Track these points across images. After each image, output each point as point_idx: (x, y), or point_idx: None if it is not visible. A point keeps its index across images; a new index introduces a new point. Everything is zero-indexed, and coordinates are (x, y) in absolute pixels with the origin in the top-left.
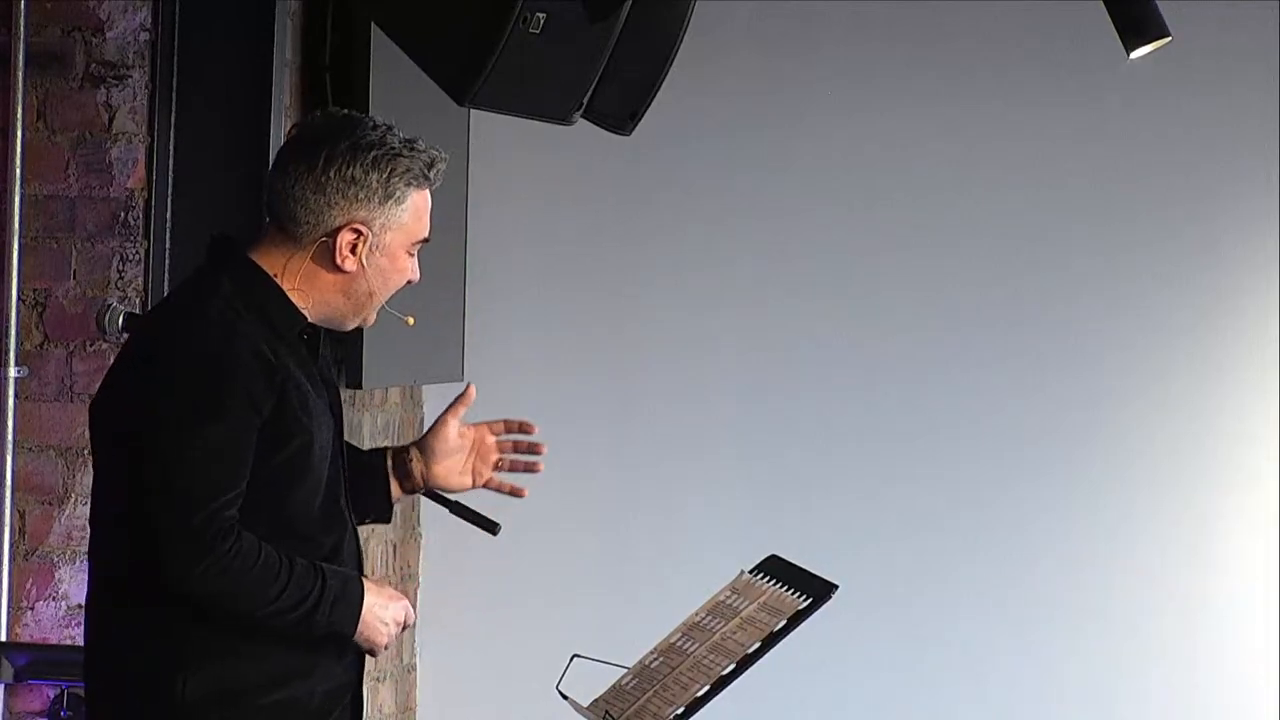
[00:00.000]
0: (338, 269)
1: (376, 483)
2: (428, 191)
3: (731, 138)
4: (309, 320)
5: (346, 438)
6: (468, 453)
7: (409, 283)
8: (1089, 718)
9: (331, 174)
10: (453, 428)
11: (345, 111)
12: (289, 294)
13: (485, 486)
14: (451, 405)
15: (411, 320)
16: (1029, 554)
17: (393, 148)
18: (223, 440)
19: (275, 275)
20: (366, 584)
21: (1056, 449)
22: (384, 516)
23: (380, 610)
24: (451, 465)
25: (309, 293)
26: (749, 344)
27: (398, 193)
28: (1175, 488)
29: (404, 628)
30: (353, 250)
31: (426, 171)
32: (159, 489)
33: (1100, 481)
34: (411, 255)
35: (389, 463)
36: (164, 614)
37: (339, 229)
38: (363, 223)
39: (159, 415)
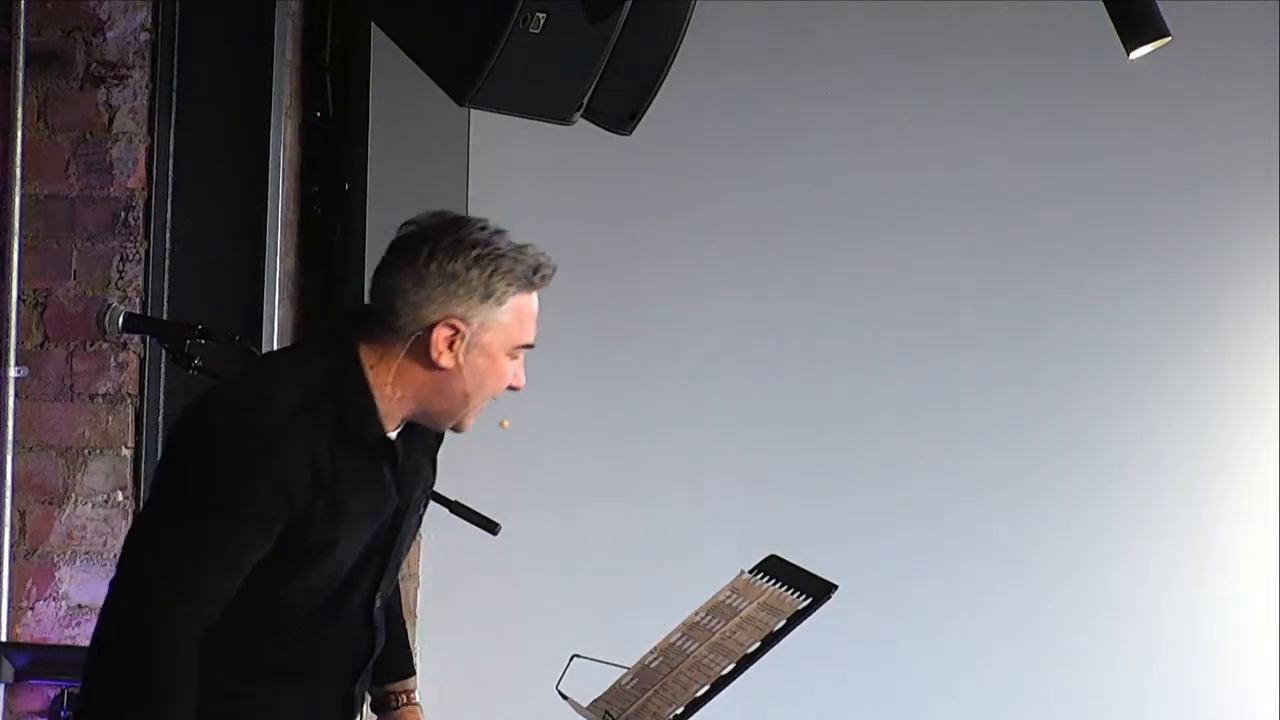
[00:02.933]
0: (434, 365)
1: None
2: (533, 297)
3: (732, 137)
4: (385, 433)
5: None
6: None
7: (511, 389)
8: (1089, 717)
9: (433, 268)
10: None
11: (456, 214)
12: (381, 389)
13: None
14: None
15: (507, 424)
16: (1030, 554)
17: (498, 248)
18: (224, 540)
19: (371, 367)
20: None
21: (1057, 448)
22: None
23: None
24: None
25: (402, 388)
26: (750, 344)
27: (498, 292)
28: (1175, 485)
29: None
30: (450, 346)
31: (531, 275)
32: (149, 547)
33: (1100, 480)
34: (514, 359)
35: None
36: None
37: (436, 324)
38: (460, 319)
39: (182, 479)
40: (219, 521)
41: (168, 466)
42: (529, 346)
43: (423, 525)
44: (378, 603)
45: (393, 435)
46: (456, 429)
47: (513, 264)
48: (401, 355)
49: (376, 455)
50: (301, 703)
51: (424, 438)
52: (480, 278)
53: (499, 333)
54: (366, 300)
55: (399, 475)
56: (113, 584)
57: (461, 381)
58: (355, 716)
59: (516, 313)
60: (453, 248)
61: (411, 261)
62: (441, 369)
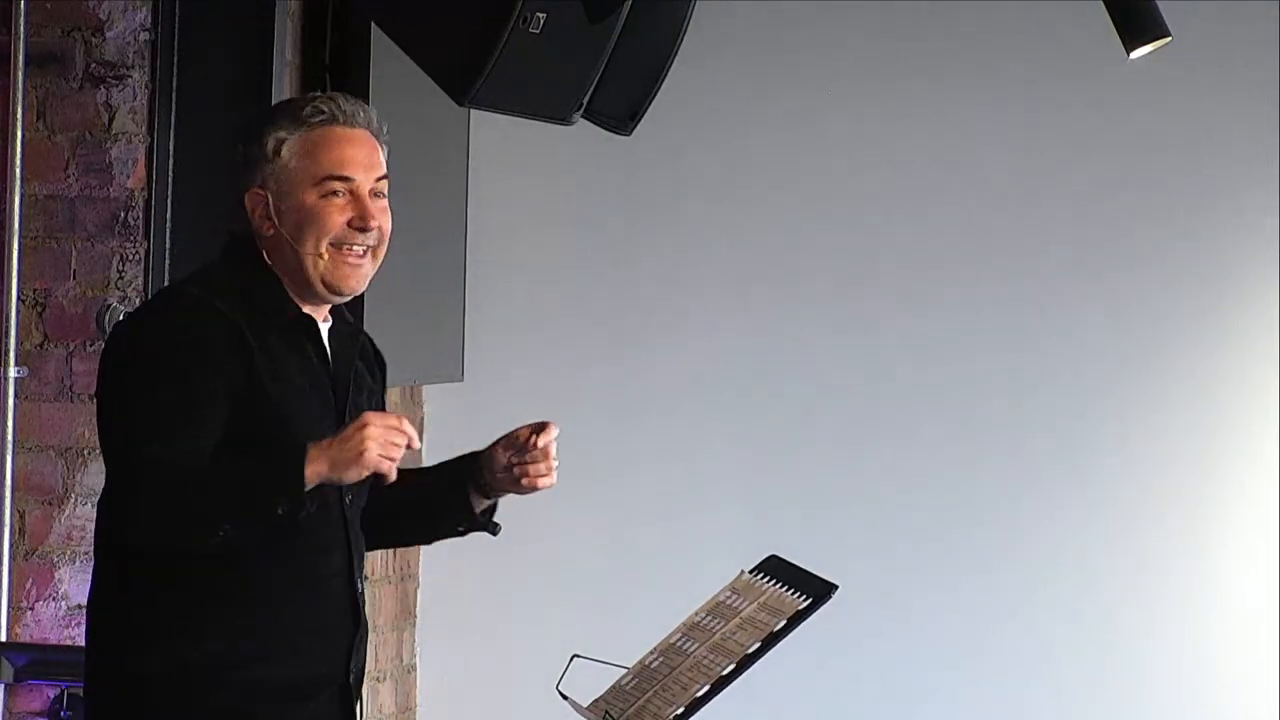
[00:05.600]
0: (266, 237)
1: (454, 496)
2: (323, 131)
3: (732, 138)
4: (300, 309)
5: None
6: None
7: (360, 229)
8: (1089, 716)
9: (234, 159)
10: (501, 458)
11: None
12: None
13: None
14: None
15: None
16: (1029, 554)
17: (262, 112)
18: (176, 400)
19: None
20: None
21: (1057, 449)
22: (470, 525)
23: (340, 440)
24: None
25: (277, 270)
26: (750, 343)
27: (269, 145)
28: (1176, 485)
29: (395, 433)
30: (264, 215)
31: (299, 114)
32: (117, 448)
33: (1101, 481)
34: (331, 195)
35: (470, 471)
36: (128, 589)
37: (246, 204)
38: (258, 187)
39: (122, 384)
40: (171, 395)
41: (105, 388)
42: (341, 178)
43: None
44: (348, 499)
45: (324, 324)
46: (333, 289)
47: (276, 115)
48: (259, 244)
49: (296, 332)
50: (299, 613)
51: (363, 352)
52: (255, 145)
53: (290, 178)
54: None
55: (335, 363)
56: (102, 499)
57: (287, 238)
58: (361, 622)
59: (300, 154)
60: (235, 134)
61: (229, 163)
62: (270, 237)
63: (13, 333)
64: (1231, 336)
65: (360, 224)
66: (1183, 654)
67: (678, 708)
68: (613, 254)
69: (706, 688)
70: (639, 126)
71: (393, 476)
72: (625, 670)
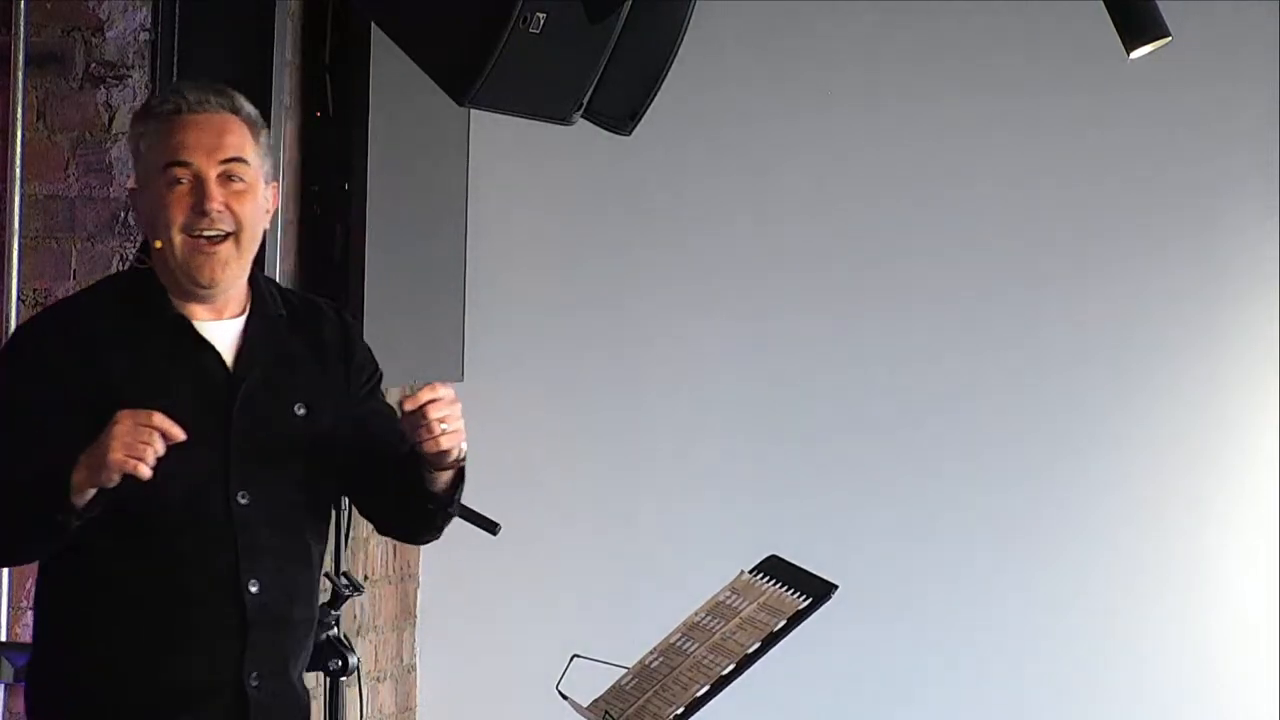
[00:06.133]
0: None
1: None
2: (170, 124)
3: (731, 138)
4: (178, 310)
5: None
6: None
7: (200, 212)
8: (1089, 716)
9: None
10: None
11: None
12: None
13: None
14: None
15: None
16: (1030, 553)
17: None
18: (10, 423)
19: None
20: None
21: (1057, 448)
22: (430, 508)
23: (95, 443)
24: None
25: (160, 271)
26: (749, 343)
27: (133, 145)
28: (1177, 487)
29: (143, 430)
30: (136, 207)
31: (147, 113)
32: None
33: (1101, 480)
34: (173, 184)
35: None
36: (39, 597)
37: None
38: (133, 184)
39: None
40: (14, 423)
41: None
42: (180, 163)
43: None
44: (239, 498)
45: (219, 321)
46: (193, 281)
47: (138, 113)
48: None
49: (173, 333)
50: (173, 618)
51: (315, 340)
52: (129, 145)
53: (144, 171)
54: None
55: (238, 360)
56: None
57: (143, 226)
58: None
59: (149, 146)
60: None
61: None
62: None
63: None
64: (1232, 336)
65: (199, 208)
66: (1183, 654)
67: (678, 708)
68: (613, 253)
69: (706, 688)
70: (639, 126)
71: (144, 474)
72: (625, 670)
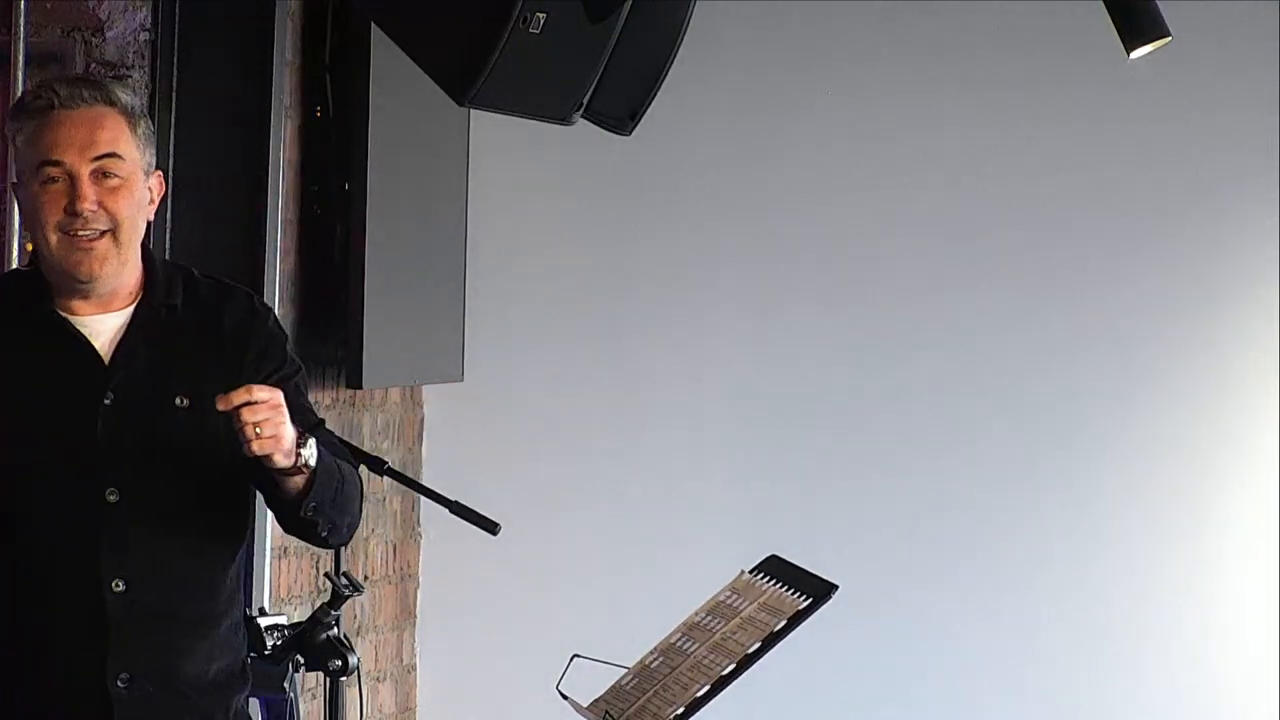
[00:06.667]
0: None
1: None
2: (44, 121)
3: (731, 137)
4: (52, 307)
5: (347, 438)
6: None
7: (72, 213)
8: (1089, 715)
9: None
10: None
11: None
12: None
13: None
14: None
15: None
16: (1029, 554)
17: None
18: None
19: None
20: None
21: (1057, 446)
22: (292, 515)
23: None
24: None
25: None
26: (749, 342)
27: (12, 137)
28: (1176, 486)
29: None
30: (18, 204)
31: (22, 108)
32: None
33: (1101, 479)
34: (49, 183)
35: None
36: None
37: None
38: (14, 182)
39: None
40: None
41: None
42: (52, 163)
43: (422, 524)
44: (109, 496)
45: (102, 315)
46: (74, 278)
47: (13, 109)
48: None
49: (49, 334)
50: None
51: (210, 332)
52: (10, 141)
53: (21, 170)
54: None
55: (116, 357)
56: None
57: (29, 227)
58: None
59: (24, 144)
60: None
61: None
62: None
63: None
64: (1232, 335)
65: (72, 209)
66: (1182, 654)
67: (678, 707)
68: (613, 253)
69: (707, 688)
70: (639, 126)
71: None
72: (625, 670)
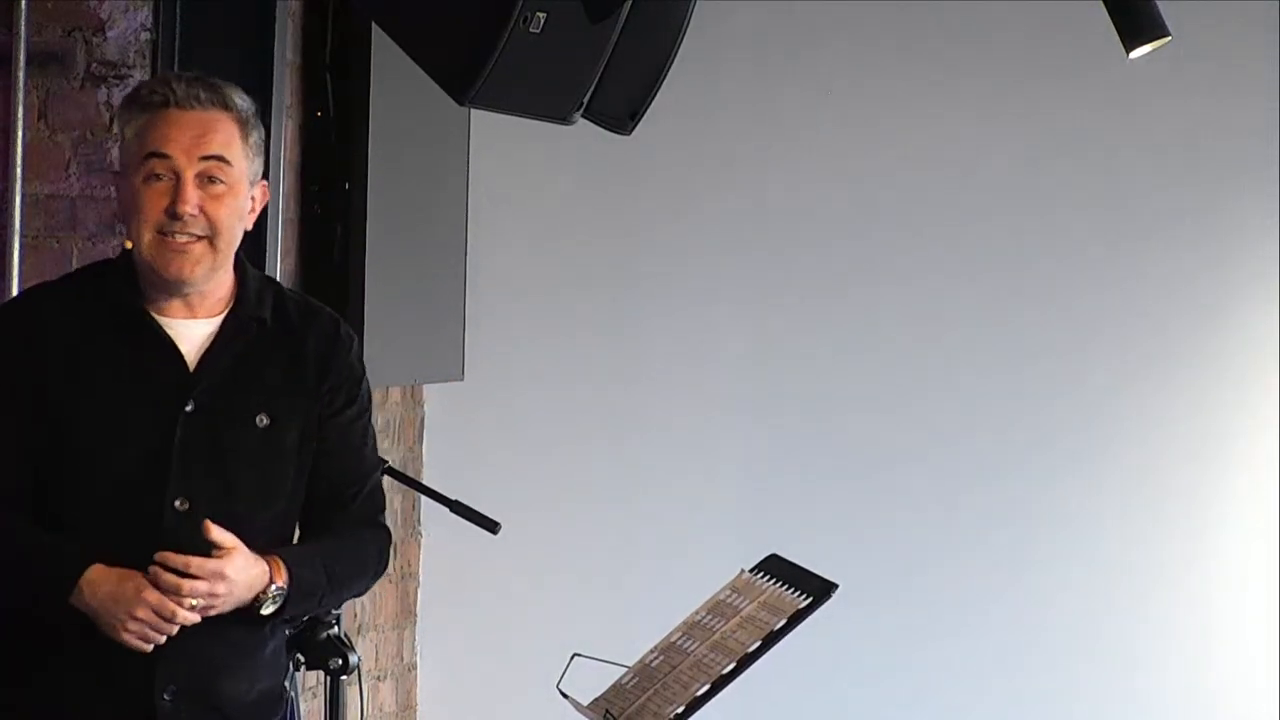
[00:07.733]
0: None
1: None
2: (157, 116)
3: (731, 137)
4: (142, 306)
5: None
6: None
7: (173, 215)
8: (1089, 714)
9: None
10: None
11: None
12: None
13: None
14: None
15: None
16: (1030, 554)
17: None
18: None
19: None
20: (96, 570)
21: (1057, 449)
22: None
23: (114, 595)
24: None
25: (137, 262)
26: (749, 343)
27: (120, 130)
28: (1177, 485)
29: (163, 624)
30: (118, 194)
31: (134, 101)
32: None
33: (1101, 477)
34: (153, 180)
35: None
36: None
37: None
38: (116, 172)
39: None
40: None
41: None
42: (159, 155)
43: (422, 524)
44: (179, 506)
45: (191, 320)
46: (164, 277)
47: (127, 101)
48: None
49: (137, 332)
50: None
51: (294, 356)
52: (120, 131)
53: (126, 161)
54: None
55: (202, 364)
56: None
57: (123, 218)
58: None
59: (133, 136)
60: None
61: None
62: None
63: None
64: (1231, 335)
65: (172, 210)
66: (1182, 654)
67: (678, 706)
68: (613, 253)
69: (707, 686)
70: (639, 126)
71: (147, 649)
72: (625, 669)
